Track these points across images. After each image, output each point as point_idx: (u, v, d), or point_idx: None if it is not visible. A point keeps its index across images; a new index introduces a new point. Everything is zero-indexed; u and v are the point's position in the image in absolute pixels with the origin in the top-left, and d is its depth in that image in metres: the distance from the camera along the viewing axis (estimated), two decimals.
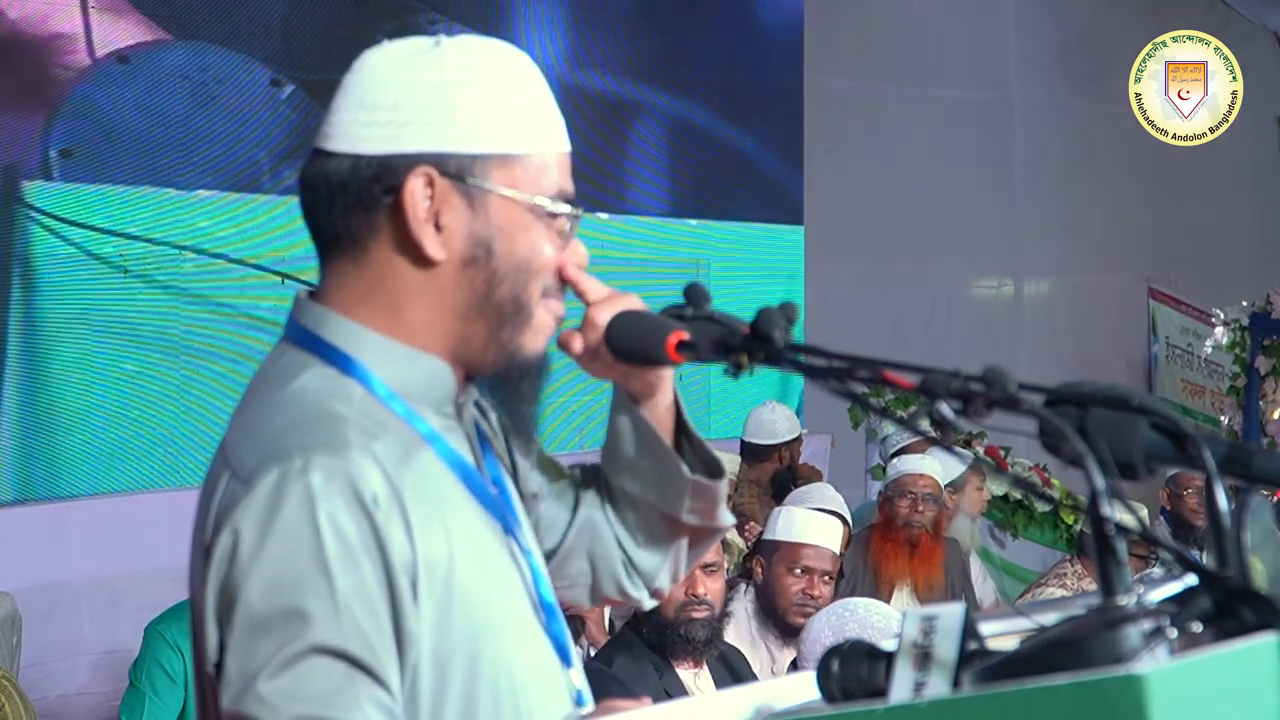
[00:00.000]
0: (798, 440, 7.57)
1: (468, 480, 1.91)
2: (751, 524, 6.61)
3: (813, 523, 5.32)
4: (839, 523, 5.57)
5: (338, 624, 1.71)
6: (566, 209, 1.93)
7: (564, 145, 1.97)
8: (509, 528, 1.94)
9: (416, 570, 1.78)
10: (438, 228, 1.88)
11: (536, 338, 1.93)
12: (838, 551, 5.37)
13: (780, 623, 5.26)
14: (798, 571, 5.23)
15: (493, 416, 2.06)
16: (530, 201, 1.89)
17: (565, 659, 1.97)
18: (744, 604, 5.40)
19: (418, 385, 1.90)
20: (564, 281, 1.96)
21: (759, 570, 5.35)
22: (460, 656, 1.83)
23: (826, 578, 5.25)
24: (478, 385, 1.97)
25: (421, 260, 1.88)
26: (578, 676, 1.98)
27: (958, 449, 1.64)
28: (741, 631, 5.32)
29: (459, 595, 1.82)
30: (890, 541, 6.54)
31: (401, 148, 1.86)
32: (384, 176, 1.86)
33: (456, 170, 1.88)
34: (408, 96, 1.87)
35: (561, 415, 7.41)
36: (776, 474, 7.22)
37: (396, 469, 1.79)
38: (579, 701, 1.96)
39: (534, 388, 1.94)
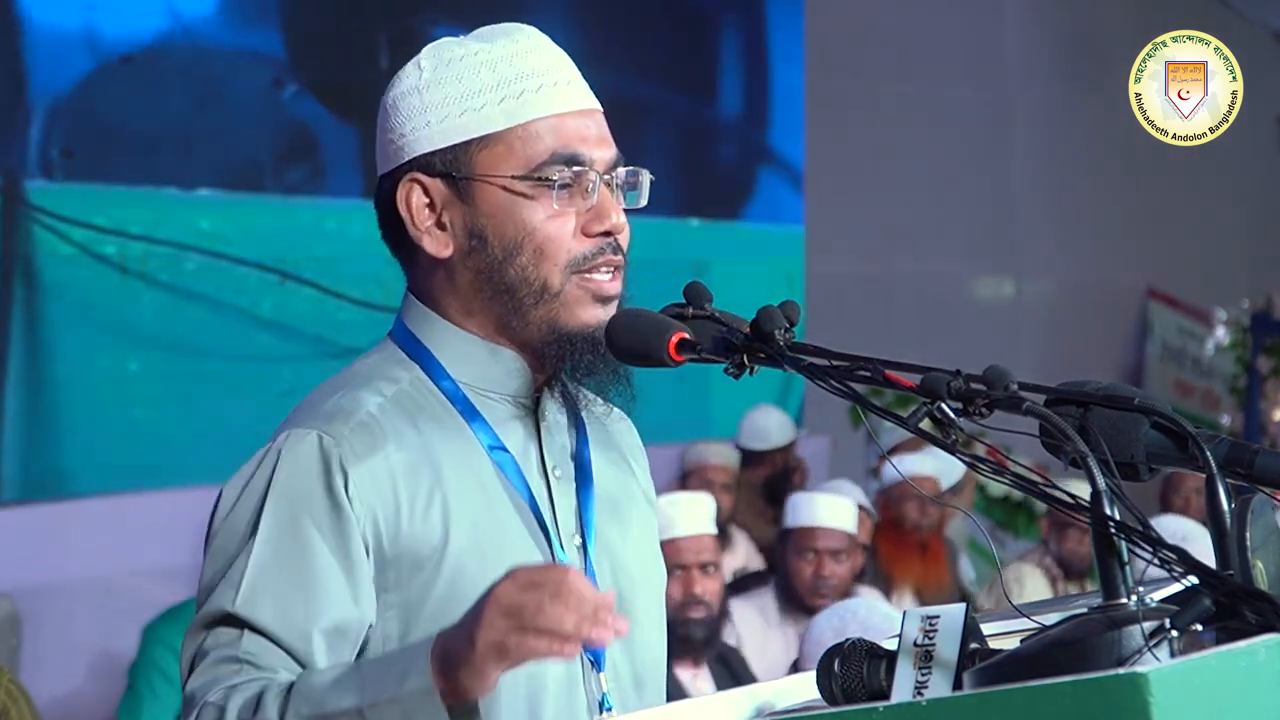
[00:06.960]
0: (792, 445, 7.50)
1: (506, 471, 1.92)
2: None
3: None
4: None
5: (233, 588, 1.79)
6: (560, 172, 1.91)
7: (565, 105, 1.96)
8: (542, 523, 1.94)
9: (368, 541, 1.84)
10: (442, 226, 1.93)
11: (573, 311, 1.92)
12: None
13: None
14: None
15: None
16: (506, 180, 1.91)
17: (596, 662, 1.97)
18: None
19: (484, 374, 1.94)
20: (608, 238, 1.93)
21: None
22: None
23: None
24: (571, 371, 1.95)
25: (436, 259, 1.94)
26: (609, 682, 1.97)
27: (959, 451, 1.63)
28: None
29: (449, 576, 1.85)
30: (902, 545, 6.51)
31: (397, 161, 1.95)
32: (390, 191, 1.96)
33: (443, 166, 1.93)
34: (394, 113, 1.96)
35: None
36: (769, 479, 7.19)
37: (380, 448, 1.85)
38: (604, 706, 1.95)
39: (596, 361, 1.92)
